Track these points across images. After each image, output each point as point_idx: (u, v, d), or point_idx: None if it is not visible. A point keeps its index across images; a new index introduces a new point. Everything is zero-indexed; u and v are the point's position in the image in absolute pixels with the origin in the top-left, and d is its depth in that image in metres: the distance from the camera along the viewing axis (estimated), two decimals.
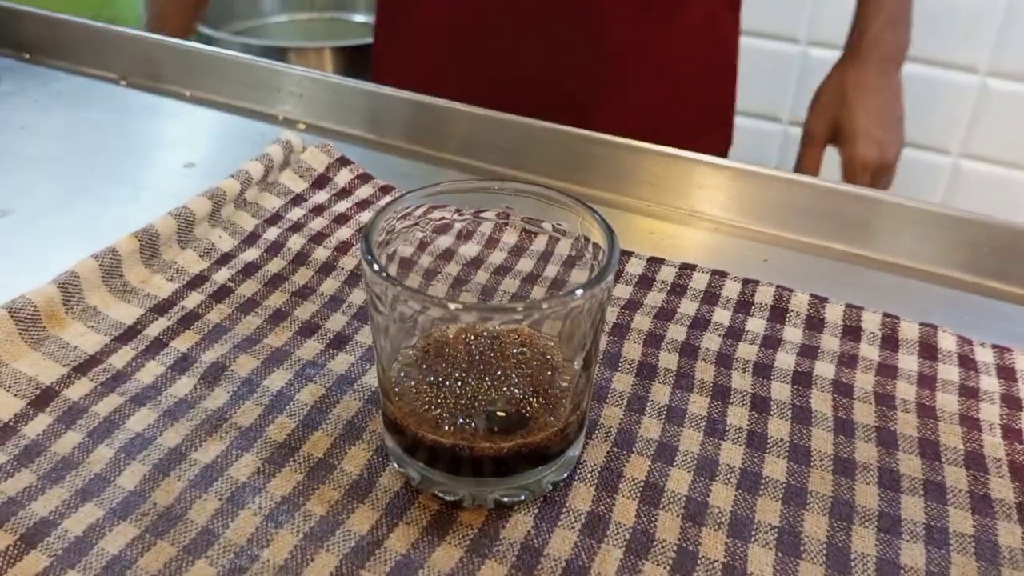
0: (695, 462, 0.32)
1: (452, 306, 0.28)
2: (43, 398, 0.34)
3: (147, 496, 0.30)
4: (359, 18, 1.32)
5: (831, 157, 0.76)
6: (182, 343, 0.37)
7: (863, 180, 0.72)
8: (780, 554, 0.29)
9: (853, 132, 0.71)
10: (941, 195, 1.30)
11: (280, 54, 1.08)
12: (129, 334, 0.37)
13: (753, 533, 0.30)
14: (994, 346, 0.39)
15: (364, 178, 0.50)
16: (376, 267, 0.28)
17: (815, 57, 1.24)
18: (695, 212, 0.49)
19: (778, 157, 1.33)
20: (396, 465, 0.31)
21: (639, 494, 0.31)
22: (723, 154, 0.80)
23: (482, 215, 0.35)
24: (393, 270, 0.32)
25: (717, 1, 0.74)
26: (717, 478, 0.32)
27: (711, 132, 0.79)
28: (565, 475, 0.31)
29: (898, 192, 0.71)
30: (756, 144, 1.31)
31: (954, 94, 1.23)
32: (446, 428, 0.29)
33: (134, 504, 0.30)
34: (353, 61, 1.09)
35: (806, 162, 0.76)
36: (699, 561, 0.29)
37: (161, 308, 0.38)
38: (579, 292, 0.27)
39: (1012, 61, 1.19)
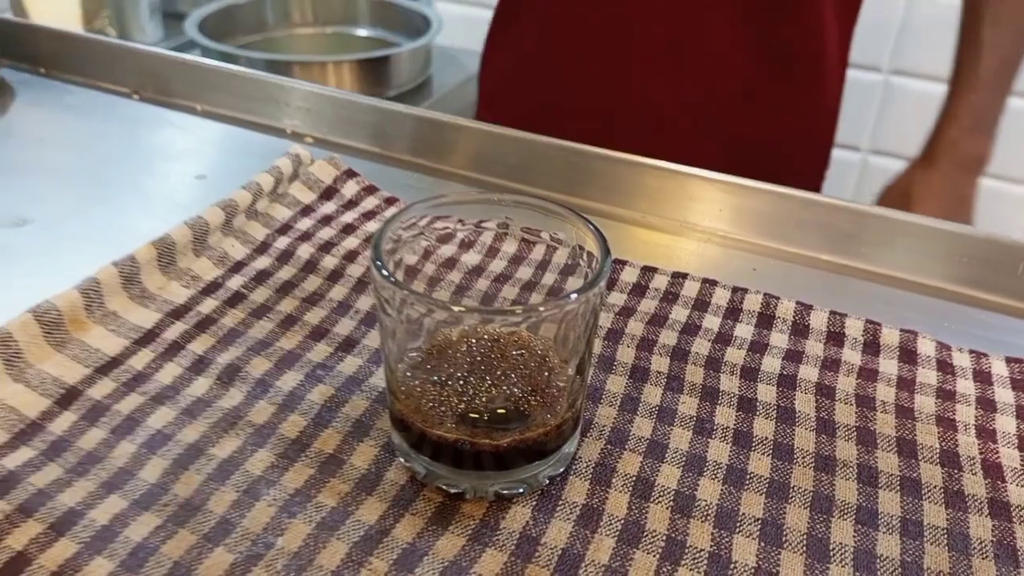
0: (684, 458, 0.34)
1: (456, 309, 0.30)
2: (68, 397, 0.35)
3: (168, 488, 0.32)
4: (363, 32, 1.34)
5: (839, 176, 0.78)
6: (198, 346, 0.39)
7: None
8: (763, 544, 0.31)
9: None
10: None
11: (285, 68, 1.10)
12: (148, 337, 0.39)
13: (738, 524, 0.32)
14: (971, 351, 0.41)
15: (370, 190, 0.52)
16: (385, 272, 0.30)
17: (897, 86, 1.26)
18: (688, 223, 0.52)
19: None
20: (402, 460, 0.33)
21: (631, 488, 0.33)
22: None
23: (483, 225, 0.37)
24: (399, 277, 0.34)
25: (829, 53, 0.74)
26: (705, 473, 0.34)
27: (804, 174, 0.80)
28: (561, 470, 0.33)
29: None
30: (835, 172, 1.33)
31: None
32: (449, 424, 0.31)
33: (156, 496, 0.31)
34: (357, 75, 1.12)
35: None
36: (687, 550, 0.31)
37: (178, 313, 0.40)
38: (573, 296, 0.29)
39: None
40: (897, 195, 0.74)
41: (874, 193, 0.82)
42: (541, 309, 0.30)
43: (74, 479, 0.32)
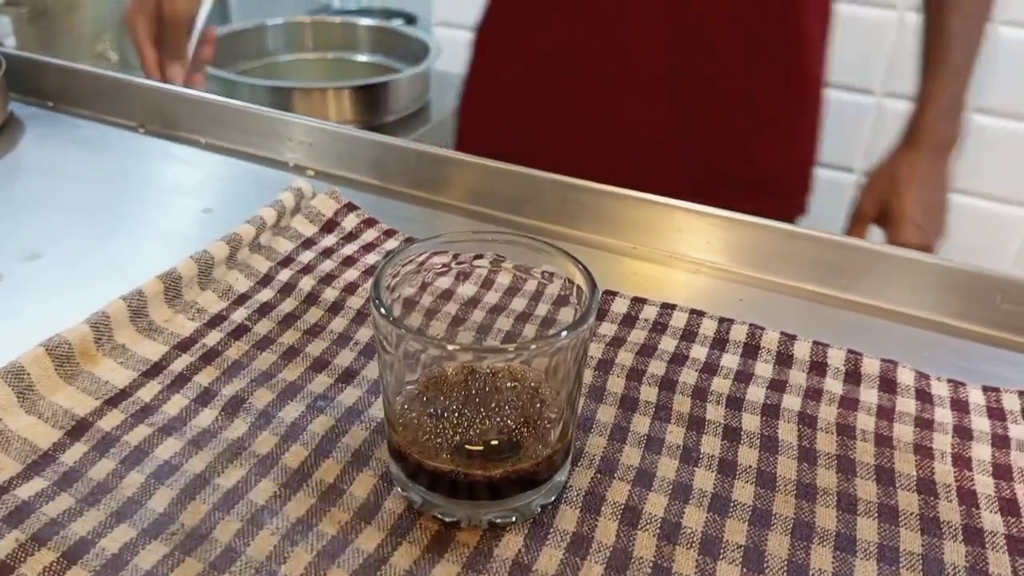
0: (671, 487, 0.36)
1: (450, 347, 0.31)
2: (78, 429, 0.37)
3: (175, 518, 0.33)
4: (363, 58, 1.37)
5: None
6: (204, 378, 0.40)
7: None
8: (745, 570, 0.32)
9: (900, 217, 0.75)
10: None
11: (286, 94, 1.12)
12: (155, 370, 0.40)
13: (721, 551, 0.33)
14: (949, 380, 0.42)
15: (369, 222, 0.53)
16: (383, 311, 0.31)
17: (889, 108, 1.28)
18: (676, 255, 0.53)
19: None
20: (400, 489, 0.35)
21: (619, 516, 0.34)
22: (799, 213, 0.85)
23: (477, 262, 0.39)
24: (397, 310, 0.36)
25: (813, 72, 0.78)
26: (690, 501, 0.35)
27: (790, 194, 0.83)
28: (552, 499, 0.35)
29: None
30: (829, 193, 1.36)
31: None
32: (445, 456, 0.32)
33: (164, 525, 0.33)
34: (357, 101, 1.14)
35: (852, 236, 0.80)
36: None
37: (184, 345, 0.42)
38: (564, 334, 0.31)
39: (996, 99, 1.24)
40: (884, 179, 0.77)
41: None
42: (532, 346, 0.32)
43: (85, 509, 0.33)
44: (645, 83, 0.75)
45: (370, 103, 1.15)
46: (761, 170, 0.79)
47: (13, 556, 0.31)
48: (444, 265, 0.38)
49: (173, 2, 0.77)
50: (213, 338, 0.43)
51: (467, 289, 0.43)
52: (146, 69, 0.77)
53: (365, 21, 1.36)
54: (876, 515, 0.35)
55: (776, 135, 0.78)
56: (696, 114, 0.76)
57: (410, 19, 1.55)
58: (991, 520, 0.35)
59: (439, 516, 0.33)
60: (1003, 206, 1.31)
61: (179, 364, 0.41)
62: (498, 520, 0.33)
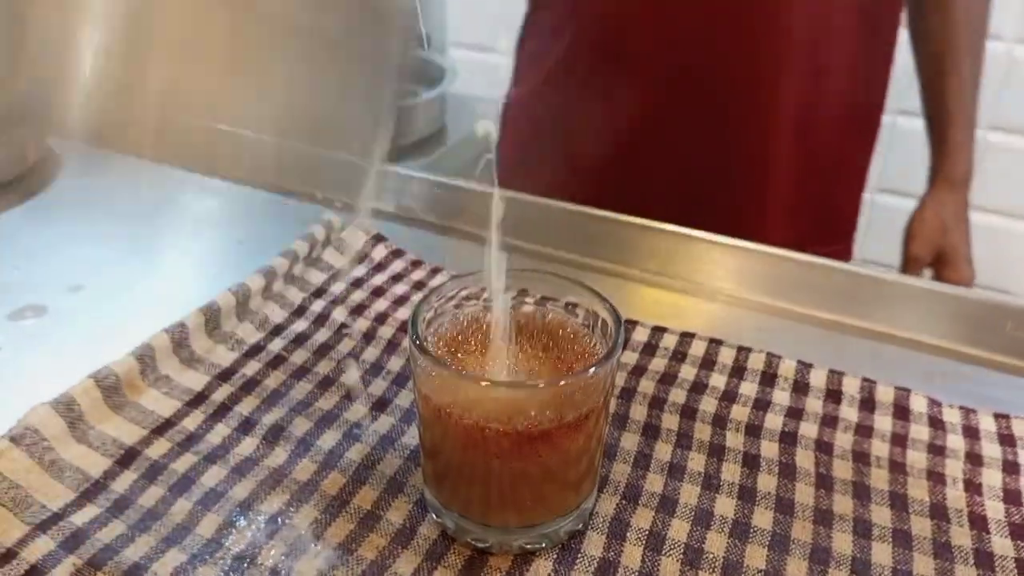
0: (693, 513, 0.37)
1: (483, 383, 0.33)
2: (127, 457, 0.39)
3: (222, 543, 0.35)
4: None
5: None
6: (245, 407, 0.42)
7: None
8: None
9: (956, 258, 0.78)
10: None
11: None
12: (198, 399, 0.42)
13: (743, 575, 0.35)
14: (961, 407, 0.44)
15: (397, 253, 0.55)
16: (418, 343, 0.33)
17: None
18: (695, 284, 0.55)
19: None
20: (434, 516, 0.36)
21: (644, 542, 0.36)
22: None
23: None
24: (432, 341, 0.38)
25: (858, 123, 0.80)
26: (712, 527, 0.37)
27: (835, 242, 0.84)
28: (580, 525, 0.36)
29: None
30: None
31: None
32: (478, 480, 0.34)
33: (212, 550, 0.35)
34: None
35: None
36: None
37: (225, 375, 0.44)
38: (592, 370, 0.32)
39: (1012, 116, 1.25)
40: (935, 224, 0.79)
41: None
42: (562, 382, 0.33)
43: (137, 534, 0.35)
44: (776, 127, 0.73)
45: None
46: (850, 216, 0.82)
47: None
48: (473, 299, 0.40)
49: None
50: (252, 368, 0.45)
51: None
52: None
53: None
54: (891, 540, 0.36)
55: (859, 183, 0.81)
56: (819, 162, 0.76)
57: (425, 39, 1.57)
58: (1001, 544, 0.36)
59: (472, 542, 0.35)
60: (1015, 222, 1.31)
61: (220, 394, 0.43)
62: (528, 546, 0.35)
